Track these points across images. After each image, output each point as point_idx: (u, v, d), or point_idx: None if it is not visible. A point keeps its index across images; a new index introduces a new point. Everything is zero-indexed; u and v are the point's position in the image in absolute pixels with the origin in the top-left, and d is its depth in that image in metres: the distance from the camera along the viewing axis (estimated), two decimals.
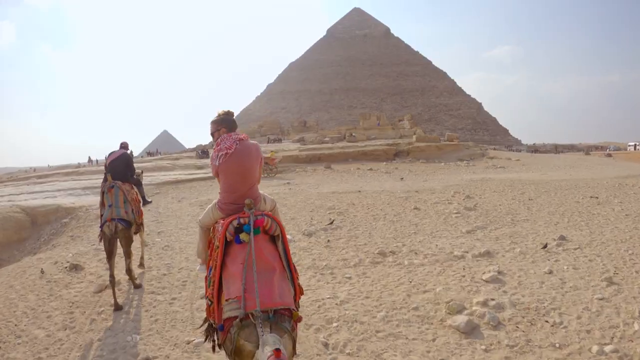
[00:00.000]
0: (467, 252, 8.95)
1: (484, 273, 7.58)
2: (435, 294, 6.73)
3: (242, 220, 3.48)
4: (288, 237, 7.40)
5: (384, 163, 38.98)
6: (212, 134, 4.11)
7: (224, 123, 4.00)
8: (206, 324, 3.92)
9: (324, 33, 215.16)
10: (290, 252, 3.73)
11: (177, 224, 13.20)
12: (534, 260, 8.32)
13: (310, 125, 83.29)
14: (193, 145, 76.59)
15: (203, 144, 65.22)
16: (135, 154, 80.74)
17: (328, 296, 6.82)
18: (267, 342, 2.83)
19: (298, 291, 3.66)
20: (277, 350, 2.70)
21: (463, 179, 24.31)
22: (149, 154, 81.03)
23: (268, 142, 56.90)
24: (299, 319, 3.32)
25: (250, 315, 3.06)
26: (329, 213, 13.63)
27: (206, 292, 3.71)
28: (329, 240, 10.27)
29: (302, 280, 7.16)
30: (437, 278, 7.54)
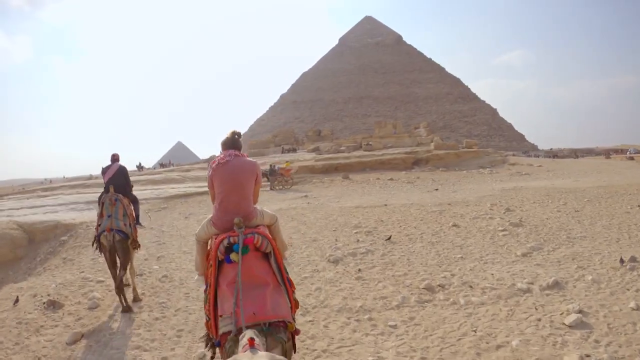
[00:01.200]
0: (532, 284, 7.33)
1: (562, 314, 6.01)
2: (512, 351, 5.11)
3: (232, 240, 3.54)
4: (312, 264, 7.81)
5: (404, 172, 37.31)
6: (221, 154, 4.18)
7: (224, 144, 4.13)
8: (206, 335, 4.00)
9: (335, 42, 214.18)
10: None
11: (180, 246, 11.62)
12: (613, 292, 6.79)
13: (325, 134, 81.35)
14: (207, 157, 75.23)
15: (216, 155, 63.78)
16: (148, 165, 79.70)
17: (371, 358, 5.09)
18: (245, 335, 2.87)
19: (293, 305, 3.69)
20: (251, 339, 2.74)
21: (494, 189, 22.49)
22: (162, 165, 79.75)
23: (282, 152, 55.26)
24: (296, 332, 3.48)
25: (243, 329, 3.10)
26: (356, 232, 11.92)
27: (204, 308, 3.82)
28: (360, 270, 8.56)
29: (333, 328, 6.12)
30: (506, 324, 5.90)
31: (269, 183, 28.89)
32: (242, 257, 3.43)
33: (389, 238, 11.06)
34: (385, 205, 16.71)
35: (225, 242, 3.54)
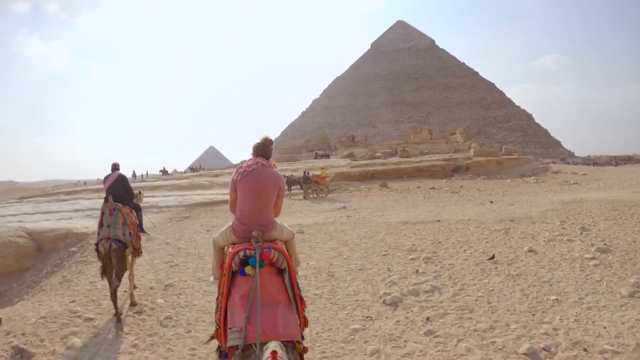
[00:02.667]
0: None
1: None
2: None
3: (248, 252, 3.52)
4: (362, 307, 6.93)
5: (444, 180, 35.18)
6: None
7: (255, 149, 4.13)
8: (213, 341, 4.22)
9: (367, 47, 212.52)
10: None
11: (196, 270, 9.69)
12: None
13: (358, 140, 79.55)
14: (238, 162, 73.77)
15: (247, 159, 61.89)
16: (180, 170, 78.62)
17: None
18: (268, 347, 2.95)
19: (302, 322, 3.66)
20: (274, 352, 2.81)
21: (552, 201, 20.00)
22: (192, 169, 78.68)
23: (316, 158, 53.31)
24: (305, 350, 3.47)
25: (252, 346, 3.14)
26: (412, 259, 9.72)
27: (215, 316, 3.82)
28: (428, 319, 6.35)
29: None
30: None
31: (302, 191, 26.76)
32: (259, 271, 3.43)
33: (493, 257, 9.41)
34: (438, 221, 14.44)
35: (241, 254, 3.53)
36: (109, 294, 6.98)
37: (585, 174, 39.56)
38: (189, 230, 15.04)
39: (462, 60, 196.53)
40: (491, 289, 7.56)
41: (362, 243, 11.39)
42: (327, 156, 55.32)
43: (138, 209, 8.15)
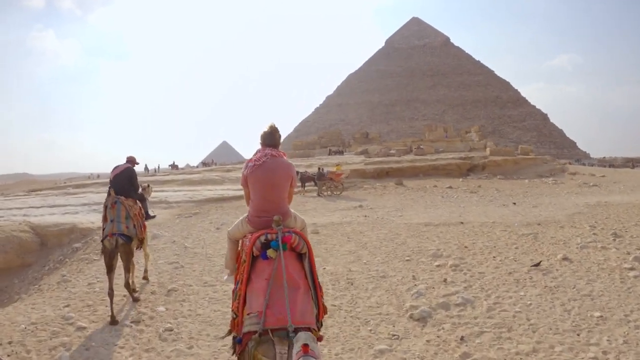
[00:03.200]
0: None
1: None
2: None
3: (269, 236, 3.51)
4: (386, 322, 6.25)
5: (461, 179, 34.17)
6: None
7: (263, 138, 4.07)
8: (230, 336, 3.89)
9: (381, 43, 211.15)
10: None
11: (202, 273, 9.02)
12: None
13: (372, 136, 78.55)
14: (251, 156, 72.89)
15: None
16: (192, 164, 78.11)
17: None
18: (299, 339, 2.85)
19: (322, 310, 3.65)
20: (305, 345, 2.74)
21: (577, 204, 19.15)
22: (205, 164, 78.20)
23: (329, 154, 52.41)
24: (320, 338, 3.45)
25: (269, 332, 3.07)
26: (438, 266, 8.94)
27: (232, 306, 3.75)
28: (462, 338, 5.60)
29: None
30: None
31: (316, 188, 25.95)
32: (279, 254, 3.40)
33: (539, 264, 8.72)
34: (462, 223, 13.63)
35: (263, 238, 3.52)
36: (107, 297, 6.83)
37: (603, 176, 38.68)
38: (198, 227, 14.35)
39: (477, 58, 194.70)
40: (529, 303, 6.77)
41: (383, 246, 10.61)
42: (341, 152, 54.45)
43: (142, 200, 8.13)
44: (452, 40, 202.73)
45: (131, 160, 8.02)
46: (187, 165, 75.77)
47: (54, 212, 17.90)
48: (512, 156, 45.98)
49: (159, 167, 68.00)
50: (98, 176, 62.07)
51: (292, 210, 4.06)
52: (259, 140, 4.12)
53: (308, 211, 17.54)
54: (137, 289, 7.72)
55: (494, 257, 9.59)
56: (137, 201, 7.85)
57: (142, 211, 7.96)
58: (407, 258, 9.47)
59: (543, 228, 12.88)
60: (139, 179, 8.37)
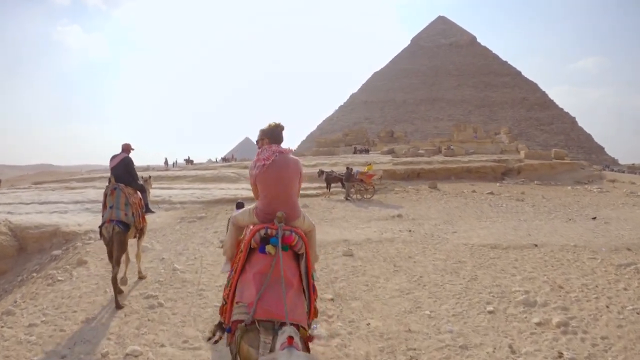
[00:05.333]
0: None
1: None
2: None
3: (269, 231, 3.53)
4: None
5: (497, 184, 31.26)
6: (257, 142, 4.19)
7: (268, 134, 4.02)
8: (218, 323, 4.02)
9: (406, 41, 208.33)
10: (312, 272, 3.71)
11: (184, 322, 6.30)
12: None
13: (397, 135, 75.70)
14: None
15: None
16: (214, 159, 75.73)
17: None
18: (285, 332, 2.87)
19: (312, 312, 3.71)
20: (290, 337, 2.74)
21: None
22: (225, 160, 75.65)
23: (355, 153, 49.43)
24: (309, 339, 3.38)
25: (256, 322, 3.09)
26: (539, 325, 5.93)
27: (223, 292, 3.81)
28: None
29: None
30: None
31: (342, 189, 22.86)
32: (277, 251, 3.41)
33: None
34: (536, 246, 10.59)
35: (262, 232, 3.53)
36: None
37: None
38: (198, 237, 11.51)
39: (504, 59, 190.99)
40: None
41: (446, 283, 7.58)
42: (367, 151, 51.37)
43: (143, 191, 7.93)
44: (478, 40, 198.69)
45: (126, 149, 7.71)
46: (209, 161, 73.14)
47: (42, 210, 16.16)
48: (548, 160, 43.16)
49: (176, 161, 65.49)
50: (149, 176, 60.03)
51: (304, 212, 4.00)
52: (258, 135, 4.10)
53: (336, 220, 14.51)
54: (127, 283, 7.46)
55: (606, 306, 6.60)
56: (137, 191, 7.68)
57: (142, 202, 7.77)
58: (489, 308, 6.45)
59: (637, 255, 9.91)
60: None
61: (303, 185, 24.52)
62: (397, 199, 21.64)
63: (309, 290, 3.59)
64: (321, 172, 25.00)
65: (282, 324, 3.05)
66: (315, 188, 24.60)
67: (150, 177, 9.64)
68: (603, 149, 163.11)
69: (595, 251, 10.36)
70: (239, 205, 8.21)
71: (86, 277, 8.26)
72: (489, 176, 35.55)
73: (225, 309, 3.58)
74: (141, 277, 7.82)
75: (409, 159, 39.79)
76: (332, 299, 6.82)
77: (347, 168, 23.22)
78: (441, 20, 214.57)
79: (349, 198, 21.24)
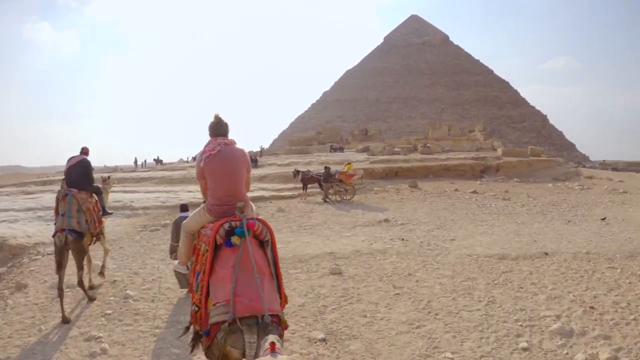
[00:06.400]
0: None
1: None
2: None
3: (233, 224, 3.42)
4: None
5: (478, 182, 30.31)
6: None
7: (210, 129, 3.99)
8: (189, 333, 3.92)
9: (380, 40, 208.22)
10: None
11: (142, 355, 4.58)
12: None
13: (372, 133, 74.67)
14: (247, 151, 68.07)
15: (254, 151, 56.56)
16: (186, 158, 73.43)
17: None
18: (268, 339, 2.72)
19: (283, 299, 3.60)
20: (273, 343, 2.61)
21: None
22: (195, 159, 73.34)
23: (331, 151, 48.06)
24: (286, 327, 3.35)
25: (237, 321, 2.98)
26: None
27: (193, 299, 3.62)
28: None
29: None
30: None
31: (320, 191, 21.30)
32: (244, 240, 3.31)
33: None
34: (546, 254, 9.36)
35: (227, 225, 3.41)
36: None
37: (621, 181, 35.29)
38: (159, 251, 9.93)
39: (476, 58, 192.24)
40: None
41: (462, 309, 6.14)
42: (341, 149, 50.00)
43: (99, 193, 7.59)
44: (451, 39, 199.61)
45: (85, 152, 7.44)
46: (180, 160, 70.63)
47: None
48: (525, 157, 43.08)
49: (145, 162, 63.16)
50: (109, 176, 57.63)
51: (249, 201, 3.93)
52: (208, 132, 4.00)
53: (316, 227, 13.01)
54: (95, 285, 7.40)
55: None
56: (93, 194, 7.34)
57: (99, 205, 7.43)
58: (522, 344, 5.05)
59: None
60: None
61: (277, 186, 22.58)
62: (378, 200, 20.28)
63: (277, 277, 3.48)
64: (297, 172, 23.31)
65: (262, 317, 2.96)
66: (290, 189, 23.10)
67: (109, 177, 9.09)
68: (574, 145, 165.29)
69: (611, 259, 9.40)
70: (184, 208, 7.93)
71: (23, 306, 6.68)
72: (467, 174, 34.78)
73: (199, 315, 3.38)
74: (91, 298, 6.97)
75: (385, 157, 38.70)
76: (323, 339, 5.33)
77: (325, 167, 21.66)
78: (414, 19, 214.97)
79: (327, 200, 19.73)
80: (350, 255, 9.27)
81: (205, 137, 3.93)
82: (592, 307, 6.40)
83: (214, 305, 3.14)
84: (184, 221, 4.10)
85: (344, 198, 20.11)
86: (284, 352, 2.73)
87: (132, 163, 63.57)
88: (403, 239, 10.88)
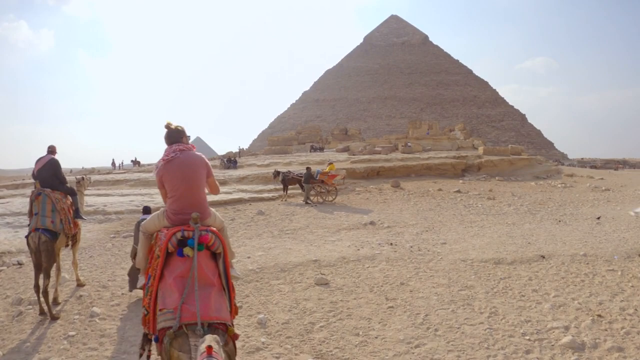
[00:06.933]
0: None
1: None
2: None
3: (186, 234, 3.41)
4: None
5: (461, 181, 30.18)
6: None
7: (165, 138, 3.97)
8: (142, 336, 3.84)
9: (360, 40, 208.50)
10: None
11: None
12: None
13: (352, 133, 74.10)
14: (224, 152, 67.01)
15: (234, 152, 55.59)
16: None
17: None
18: (205, 340, 2.76)
19: (233, 310, 3.60)
20: (209, 347, 2.64)
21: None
22: None
23: (311, 151, 47.42)
24: (235, 336, 3.28)
25: (184, 327, 2.99)
26: None
27: (143, 302, 3.60)
28: None
29: None
30: None
31: (301, 192, 20.63)
32: (197, 253, 3.32)
33: None
34: (543, 257, 8.89)
35: (179, 234, 3.39)
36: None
37: (602, 179, 36.43)
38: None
39: (455, 58, 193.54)
40: None
41: (463, 322, 5.54)
42: (321, 149, 49.34)
43: (73, 194, 7.22)
44: (430, 39, 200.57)
45: (52, 150, 7.14)
46: (140, 164, 68.79)
47: None
48: (506, 156, 43.05)
49: (122, 163, 61.71)
50: (71, 171, 56.08)
51: (213, 210, 3.91)
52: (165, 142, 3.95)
53: (299, 231, 12.41)
54: (59, 301, 6.82)
55: None
56: (67, 195, 7.07)
57: (73, 207, 7.15)
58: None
59: None
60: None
61: (257, 188, 21.73)
62: (361, 201, 19.72)
63: (228, 289, 3.47)
64: (277, 173, 22.49)
65: (210, 325, 3.02)
66: (270, 190, 22.38)
67: (84, 177, 8.63)
68: (552, 144, 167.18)
69: (609, 260, 9.07)
70: (146, 210, 7.72)
71: None
72: (449, 173, 34.82)
73: (148, 319, 3.39)
74: (80, 284, 7.43)
75: (366, 156, 38.21)
76: None
77: (307, 168, 21.00)
78: (394, 19, 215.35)
79: (309, 202, 19.10)
80: (337, 262, 8.65)
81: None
82: (599, 316, 5.97)
83: (160, 310, 3.16)
84: (143, 221, 4.06)
85: (326, 199, 19.52)
86: (219, 356, 2.68)
87: (109, 165, 62.04)
88: (391, 244, 10.31)
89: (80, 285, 7.48)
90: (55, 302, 6.73)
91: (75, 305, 6.60)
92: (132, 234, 12.33)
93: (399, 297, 6.64)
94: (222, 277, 3.43)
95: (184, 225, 3.47)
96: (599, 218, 14.64)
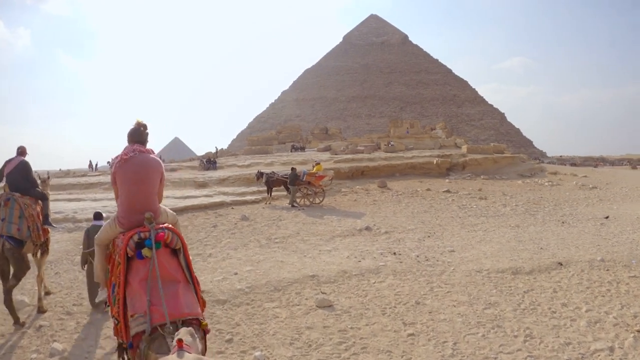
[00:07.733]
0: None
1: None
2: None
3: (142, 235, 3.39)
4: None
5: (447, 180, 29.83)
6: None
7: (128, 135, 3.88)
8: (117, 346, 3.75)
9: (340, 40, 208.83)
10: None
11: None
12: None
13: (332, 132, 73.58)
14: (203, 153, 65.83)
15: (213, 152, 54.46)
16: None
17: None
18: (178, 334, 2.71)
19: (201, 303, 3.57)
20: (180, 340, 2.60)
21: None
22: None
23: (292, 151, 46.55)
24: (208, 330, 3.32)
25: (158, 328, 2.98)
26: None
27: (112, 311, 3.56)
28: None
29: None
30: None
31: (287, 195, 19.52)
32: (155, 252, 3.31)
33: None
34: (560, 264, 8.15)
35: (136, 237, 3.37)
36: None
37: (585, 176, 36.71)
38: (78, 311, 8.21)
39: (435, 57, 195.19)
40: None
41: (499, 350, 4.63)
42: (302, 149, 48.51)
43: (44, 199, 6.98)
44: (410, 39, 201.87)
45: (22, 152, 6.83)
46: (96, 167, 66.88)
47: None
48: (489, 154, 43.24)
49: (96, 164, 59.82)
50: (48, 173, 54.18)
51: (162, 206, 3.86)
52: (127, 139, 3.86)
53: (289, 239, 11.37)
54: (45, 309, 6.65)
55: None
56: (38, 200, 6.77)
57: (42, 212, 6.79)
58: None
59: None
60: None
61: (239, 190, 20.52)
62: (350, 203, 18.79)
63: (193, 283, 3.41)
64: (260, 174, 21.18)
65: (183, 322, 3.00)
66: (253, 193, 21.20)
67: (48, 176, 8.24)
68: (531, 142, 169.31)
69: (628, 266, 8.49)
70: (97, 216, 7.45)
71: None
72: (434, 172, 34.48)
73: (119, 328, 3.30)
74: (41, 310, 6.64)
75: (349, 156, 37.52)
76: None
77: (292, 168, 19.95)
78: (373, 19, 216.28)
79: (295, 204, 18.05)
80: (337, 278, 7.66)
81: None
82: (638, 331, 5.22)
83: (131, 316, 3.12)
84: (96, 235, 3.92)
85: (313, 202, 18.52)
86: (194, 347, 2.61)
87: (86, 166, 60.30)
88: (395, 253, 9.37)
89: (41, 311, 6.65)
90: (41, 310, 6.59)
91: (34, 339, 5.58)
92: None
93: (417, 320, 5.72)
94: (185, 272, 3.39)
95: (139, 227, 3.43)
96: (607, 217, 14.05)
